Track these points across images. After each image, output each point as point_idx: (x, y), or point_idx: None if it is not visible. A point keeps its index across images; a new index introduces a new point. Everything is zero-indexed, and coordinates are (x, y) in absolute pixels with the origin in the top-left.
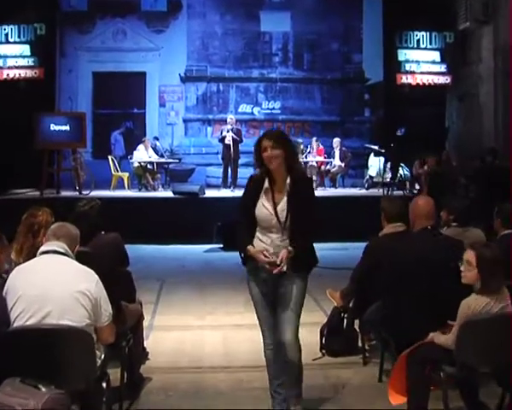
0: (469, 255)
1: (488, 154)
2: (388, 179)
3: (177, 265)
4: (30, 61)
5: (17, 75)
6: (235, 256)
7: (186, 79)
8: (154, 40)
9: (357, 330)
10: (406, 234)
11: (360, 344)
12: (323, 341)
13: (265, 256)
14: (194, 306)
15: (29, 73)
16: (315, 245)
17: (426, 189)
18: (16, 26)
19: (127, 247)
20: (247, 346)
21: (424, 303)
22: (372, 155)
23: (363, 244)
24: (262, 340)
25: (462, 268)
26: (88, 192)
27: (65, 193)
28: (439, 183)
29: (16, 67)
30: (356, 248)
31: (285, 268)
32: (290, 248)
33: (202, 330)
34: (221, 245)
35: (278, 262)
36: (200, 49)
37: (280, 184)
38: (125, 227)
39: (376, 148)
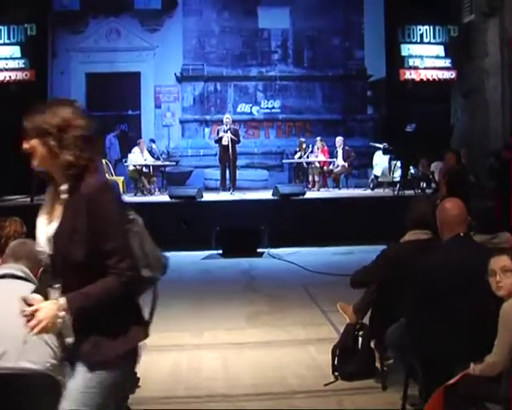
0: (505, 262)
1: (504, 149)
2: (398, 178)
3: (173, 274)
4: (20, 63)
5: (7, 78)
6: (234, 263)
7: (182, 78)
8: (149, 39)
9: (375, 349)
10: (435, 243)
11: (378, 366)
12: (336, 362)
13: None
14: (191, 321)
15: (20, 76)
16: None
17: (444, 189)
18: (6, 27)
19: None
20: (249, 370)
21: (462, 325)
22: (377, 153)
23: (369, 248)
24: None
25: (494, 279)
26: None
27: None
28: (459, 183)
29: (6, 70)
30: (362, 252)
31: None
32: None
33: (200, 349)
34: (220, 251)
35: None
36: (197, 47)
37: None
38: None
39: (381, 146)
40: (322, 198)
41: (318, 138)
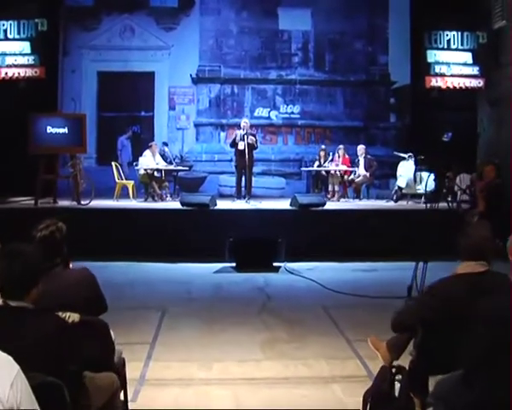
0: None
1: None
2: (422, 190)
3: (182, 289)
4: (30, 60)
5: (16, 74)
6: (248, 278)
7: (198, 80)
8: (164, 38)
9: (414, 397)
10: (496, 277)
11: None
12: None
13: None
14: (200, 348)
15: (29, 73)
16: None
17: (482, 204)
18: (16, 22)
19: (127, 265)
20: None
21: None
22: (401, 163)
23: (394, 265)
24: None
25: None
26: (87, 202)
27: (63, 203)
28: (498, 198)
29: (15, 66)
30: (386, 269)
31: None
32: None
33: (208, 385)
34: (233, 264)
35: None
36: (214, 48)
37: None
38: (126, 242)
39: (406, 156)
40: (344, 209)
41: (341, 146)
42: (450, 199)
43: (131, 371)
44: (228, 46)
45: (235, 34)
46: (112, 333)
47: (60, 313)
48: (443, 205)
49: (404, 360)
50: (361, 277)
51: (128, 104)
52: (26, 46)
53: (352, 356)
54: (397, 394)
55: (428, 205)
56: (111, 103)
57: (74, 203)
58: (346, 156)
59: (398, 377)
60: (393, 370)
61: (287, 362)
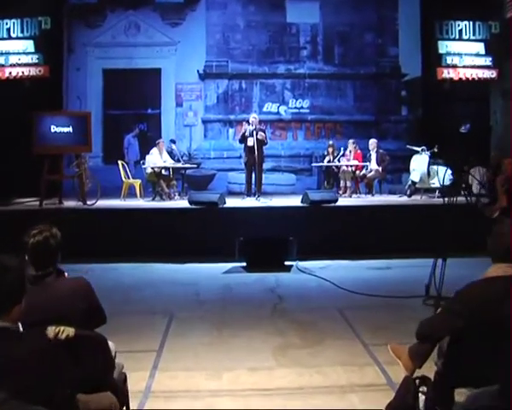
0: None
1: None
2: (436, 184)
3: (190, 292)
4: (34, 58)
5: (20, 73)
6: (259, 278)
7: (205, 75)
8: (170, 34)
9: None
10: None
11: None
12: None
13: None
14: (208, 356)
15: (33, 71)
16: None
17: (504, 199)
18: (19, 20)
19: (135, 266)
20: None
21: None
22: (414, 157)
23: (409, 262)
24: None
25: None
26: (93, 202)
27: (68, 203)
28: None
29: (19, 65)
30: (401, 267)
31: None
32: None
33: (217, 397)
34: (244, 264)
35: None
36: (221, 43)
37: None
38: (133, 243)
39: (419, 149)
40: (357, 205)
41: (351, 141)
42: (467, 193)
43: (136, 383)
44: (235, 41)
45: (242, 28)
46: (112, 345)
47: (53, 328)
48: (460, 199)
49: (428, 369)
50: (375, 275)
51: (134, 102)
52: (29, 45)
53: (369, 362)
54: (421, 406)
55: (446, 199)
56: (117, 101)
57: (80, 204)
58: (358, 151)
59: (423, 388)
60: (417, 381)
61: (301, 370)
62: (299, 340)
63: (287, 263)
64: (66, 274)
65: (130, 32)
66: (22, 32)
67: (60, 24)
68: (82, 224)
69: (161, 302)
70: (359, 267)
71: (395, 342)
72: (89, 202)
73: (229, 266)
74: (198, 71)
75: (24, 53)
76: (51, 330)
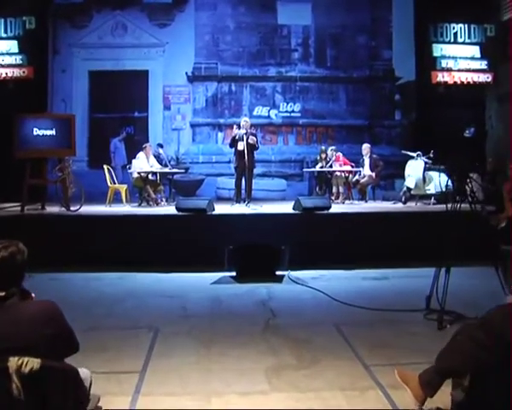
0: None
1: None
2: (431, 191)
3: (176, 304)
4: (18, 59)
5: (3, 75)
6: (250, 290)
7: (194, 78)
8: (158, 35)
9: None
10: None
11: None
12: None
13: None
14: (196, 378)
15: (17, 73)
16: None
17: (511, 208)
18: (2, 20)
19: (119, 276)
20: None
21: None
22: (409, 163)
23: (407, 272)
24: None
25: None
26: (77, 208)
27: (51, 209)
28: None
29: (2, 66)
30: (398, 277)
31: None
32: None
33: None
34: (233, 273)
35: None
36: (210, 44)
37: None
38: (118, 251)
39: (414, 154)
40: (351, 212)
41: (332, 147)
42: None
43: None
44: (225, 42)
45: (232, 30)
46: (87, 373)
47: (15, 359)
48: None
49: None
50: (371, 286)
51: (121, 104)
52: (13, 45)
53: (372, 386)
54: None
55: (449, 206)
56: (103, 104)
57: (63, 209)
58: (338, 154)
59: None
60: None
61: (297, 395)
62: (295, 360)
63: (278, 273)
64: (33, 295)
65: (117, 33)
66: (6, 31)
67: (45, 24)
68: (63, 230)
69: (145, 316)
70: (354, 277)
71: (397, 363)
72: (72, 208)
73: (217, 275)
74: (186, 73)
75: (7, 53)
76: (13, 362)
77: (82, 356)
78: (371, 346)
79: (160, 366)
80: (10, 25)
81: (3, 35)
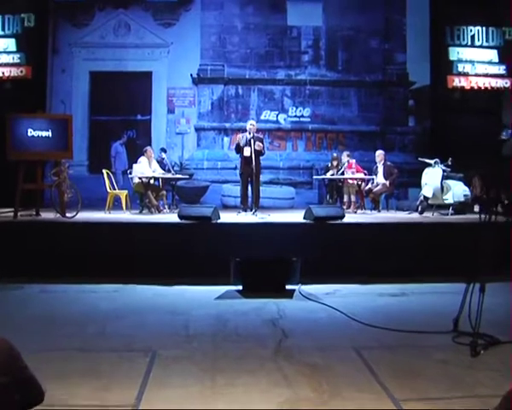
0: None
1: None
2: (450, 200)
3: (178, 323)
4: (16, 58)
5: (0, 74)
6: (258, 306)
7: (199, 80)
8: (163, 35)
9: None
10: None
11: None
12: None
13: None
14: None
15: (14, 72)
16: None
17: None
18: (0, 17)
19: (116, 288)
20: None
21: None
22: (426, 171)
23: (424, 287)
24: None
25: None
26: (73, 214)
27: (46, 215)
28: None
29: None
30: (417, 294)
31: None
32: None
33: None
34: (240, 287)
35: None
36: (217, 45)
37: None
38: (115, 261)
39: (432, 162)
40: (366, 223)
41: (345, 153)
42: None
43: None
44: (232, 44)
45: (239, 30)
46: None
47: None
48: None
49: None
50: (389, 303)
51: (123, 107)
52: (10, 43)
53: None
54: None
55: (484, 216)
56: (104, 106)
57: (59, 216)
58: (351, 161)
59: None
60: None
61: None
62: (311, 392)
63: (288, 287)
64: None
65: (120, 33)
66: (3, 29)
67: (44, 22)
68: (57, 238)
69: (143, 336)
70: (371, 293)
71: (429, 398)
72: (68, 215)
73: (222, 289)
74: (191, 75)
75: (5, 52)
76: None
77: (68, 383)
78: (397, 375)
79: (157, 399)
80: (8, 22)
81: (1, 33)
